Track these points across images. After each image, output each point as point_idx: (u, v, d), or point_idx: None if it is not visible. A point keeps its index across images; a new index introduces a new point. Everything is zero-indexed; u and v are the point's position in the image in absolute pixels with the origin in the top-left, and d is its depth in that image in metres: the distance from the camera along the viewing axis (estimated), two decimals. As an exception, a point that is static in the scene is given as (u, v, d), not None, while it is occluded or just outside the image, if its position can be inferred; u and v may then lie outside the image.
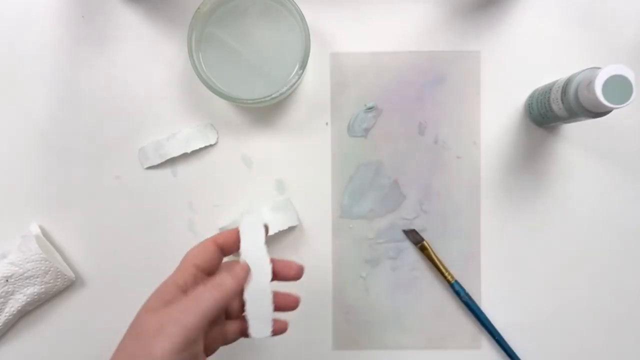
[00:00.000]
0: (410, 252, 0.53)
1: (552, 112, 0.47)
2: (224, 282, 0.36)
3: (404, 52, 0.52)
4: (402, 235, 0.53)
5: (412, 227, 0.52)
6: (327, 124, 0.53)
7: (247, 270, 0.38)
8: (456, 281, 0.52)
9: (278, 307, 0.40)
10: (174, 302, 0.35)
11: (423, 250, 0.52)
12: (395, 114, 0.52)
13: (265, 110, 0.53)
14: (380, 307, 0.53)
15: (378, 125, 0.53)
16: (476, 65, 0.52)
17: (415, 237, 0.52)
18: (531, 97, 0.51)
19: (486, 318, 0.52)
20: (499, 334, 0.52)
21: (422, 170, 0.53)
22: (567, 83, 0.44)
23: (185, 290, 0.37)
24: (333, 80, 0.53)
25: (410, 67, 0.52)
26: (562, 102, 0.44)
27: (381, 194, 0.53)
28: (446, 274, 0.52)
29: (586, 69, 0.43)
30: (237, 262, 0.39)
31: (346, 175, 0.53)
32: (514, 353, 0.51)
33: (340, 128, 0.53)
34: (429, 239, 0.52)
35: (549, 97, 0.47)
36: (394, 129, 0.53)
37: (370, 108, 0.53)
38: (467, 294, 0.51)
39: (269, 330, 0.39)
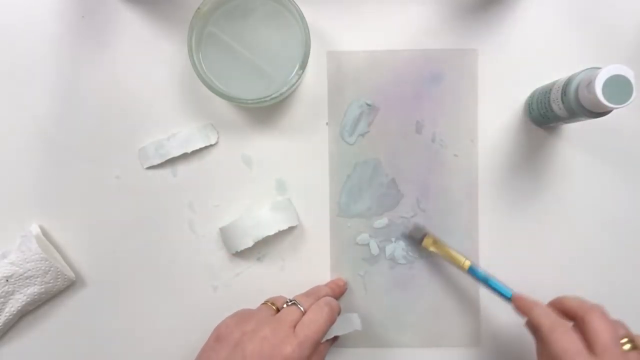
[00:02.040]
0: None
1: (552, 112, 0.47)
2: None
3: (401, 50, 0.52)
4: (400, 233, 0.53)
5: (411, 227, 0.52)
6: (327, 124, 0.53)
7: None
8: (471, 266, 0.49)
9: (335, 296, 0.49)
10: None
11: (430, 245, 0.50)
12: (393, 112, 0.53)
13: (265, 110, 0.53)
14: (378, 306, 0.53)
15: (375, 123, 0.53)
16: (473, 63, 0.52)
17: (418, 233, 0.51)
18: (531, 97, 0.51)
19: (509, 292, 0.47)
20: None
21: (419, 168, 0.53)
22: (567, 83, 0.44)
23: None
24: (330, 78, 0.53)
25: (408, 65, 0.52)
26: (562, 102, 0.44)
27: (379, 192, 0.53)
28: (462, 260, 0.49)
29: (586, 69, 0.43)
30: None
31: (344, 174, 0.53)
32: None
33: (338, 127, 0.53)
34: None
35: (549, 97, 0.47)
36: (391, 127, 0.53)
37: (367, 106, 0.53)
38: (485, 274, 0.48)
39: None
